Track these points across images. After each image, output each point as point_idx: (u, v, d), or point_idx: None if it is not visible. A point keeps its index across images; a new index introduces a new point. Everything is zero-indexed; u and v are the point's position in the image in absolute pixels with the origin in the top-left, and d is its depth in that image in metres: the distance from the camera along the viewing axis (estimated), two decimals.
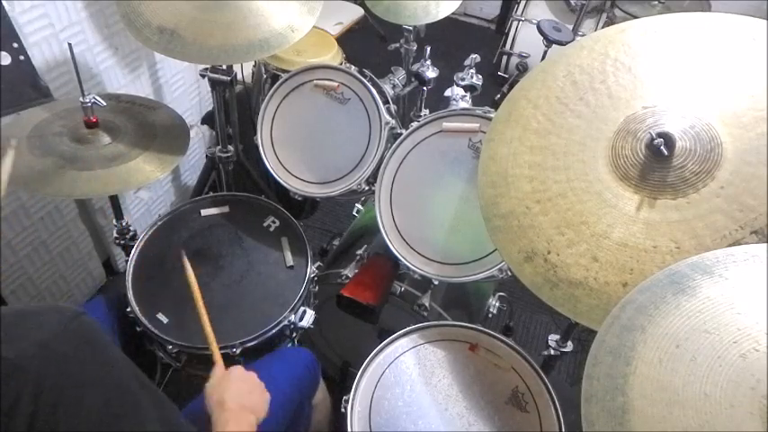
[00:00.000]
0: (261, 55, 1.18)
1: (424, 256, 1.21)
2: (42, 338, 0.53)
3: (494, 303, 1.42)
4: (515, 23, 2.83)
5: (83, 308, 1.10)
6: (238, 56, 1.17)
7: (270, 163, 1.38)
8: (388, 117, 1.28)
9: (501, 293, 1.46)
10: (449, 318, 1.26)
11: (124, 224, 1.33)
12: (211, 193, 1.42)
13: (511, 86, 2.75)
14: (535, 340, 1.91)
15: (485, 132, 1.06)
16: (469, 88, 1.51)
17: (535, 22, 2.17)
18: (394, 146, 1.23)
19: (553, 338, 1.23)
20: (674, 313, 0.59)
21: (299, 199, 1.39)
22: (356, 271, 1.32)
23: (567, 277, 0.79)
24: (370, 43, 2.97)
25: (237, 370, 0.90)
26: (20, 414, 0.49)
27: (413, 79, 1.71)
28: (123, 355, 0.61)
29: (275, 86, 1.36)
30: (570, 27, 2.37)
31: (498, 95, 2.77)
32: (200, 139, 2.02)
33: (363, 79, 1.30)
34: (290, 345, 1.25)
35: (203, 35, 1.15)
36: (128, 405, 0.59)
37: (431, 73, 1.61)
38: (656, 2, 2.46)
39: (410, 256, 1.21)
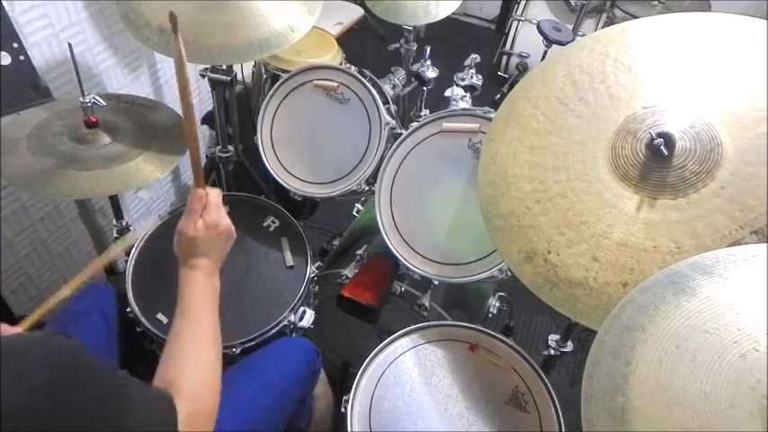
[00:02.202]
0: (261, 55, 1.18)
1: (423, 256, 1.21)
2: (32, 382, 0.51)
3: (494, 303, 1.42)
4: (515, 23, 2.83)
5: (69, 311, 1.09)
6: (238, 56, 1.17)
7: (270, 163, 1.38)
8: (388, 117, 1.28)
9: (501, 293, 1.46)
10: (449, 318, 1.26)
11: (124, 224, 1.33)
12: None
13: (511, 86, 2.74)
14: (535, 340, 1.91)
15: (485, 132, 1.06)
16: (469, 88, 1.51)
17: (535, 22, 2.17)
18: (394, 146, 1.23)
19: (553, 338, 1.23)
20: (674, 313, 0.59)
21: (299, 199, 1.39)
22: (356, 271, 1.32)
23: (567, 277, 0.79)
24: (370, 43, 2.97)
25: (214, 218, 0.89)
26: None
27: (413, 79, 1.71)
28: (101, 363, 0.60)
29: (275, 86, 1.36)
30: (570, 27, 2.37)
31: (498, 95, 2.77)
32: (200, 139, 2.02)
33: (363, 79, 1.30)
34: None
35: (203, 35, 1.15)
36: (122, 413, 0.59)
37: (431, 73, 1.61)
38: (656, 2, 2.46)
39: (410, 257, 1.21)
